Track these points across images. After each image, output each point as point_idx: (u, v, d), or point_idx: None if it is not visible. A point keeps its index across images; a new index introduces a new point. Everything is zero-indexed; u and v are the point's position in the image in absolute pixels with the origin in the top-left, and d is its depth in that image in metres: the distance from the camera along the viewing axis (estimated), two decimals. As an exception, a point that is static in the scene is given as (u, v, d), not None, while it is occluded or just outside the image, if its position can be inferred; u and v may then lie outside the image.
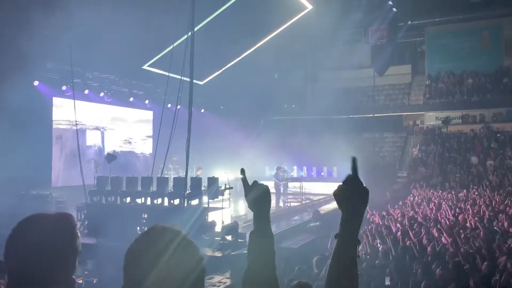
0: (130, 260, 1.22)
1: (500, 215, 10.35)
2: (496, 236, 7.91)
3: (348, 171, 1.48)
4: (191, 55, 9.02)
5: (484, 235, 7.85)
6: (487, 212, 10.83)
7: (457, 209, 11.77)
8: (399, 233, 8.89)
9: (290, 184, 18.09)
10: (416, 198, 15.78)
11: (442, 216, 10.77)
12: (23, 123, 12.12)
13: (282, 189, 16.96)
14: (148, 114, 20.79)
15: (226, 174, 13.89)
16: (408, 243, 7.79)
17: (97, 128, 18.10)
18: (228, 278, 7.82)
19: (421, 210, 12.44)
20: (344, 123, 24.25)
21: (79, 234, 1.55)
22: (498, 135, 23.43)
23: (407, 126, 27.84)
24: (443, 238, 7.90)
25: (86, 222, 11.19)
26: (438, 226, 8.94)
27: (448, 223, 9.54)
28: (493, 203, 12.66)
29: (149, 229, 1.29)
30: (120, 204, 11.08)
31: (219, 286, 7.45)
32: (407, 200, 15.64)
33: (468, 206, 11.79)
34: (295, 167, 18.63)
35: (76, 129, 11.67)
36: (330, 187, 17.64)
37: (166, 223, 1.29)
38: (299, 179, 18.18)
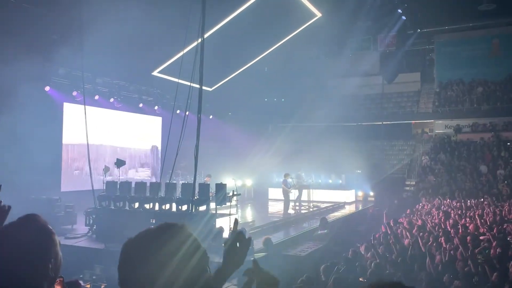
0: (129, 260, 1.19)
1: (510, 225, 10.24)
2: (506, 246, 7.82)
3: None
4: (201, 61, 9.06)
5: (496, 245, 7.76)
6: (497, 222, 10.71)
7: (467, 219, 11.64)
8: (407, 241, 8.83)
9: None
10: (425, 207, 15.66)
11: (451, 225, 10.67)
12: (34, 128, 12.24)
13: (291, 195, 16.87)
14: (157, 120, 20.91)
15: (234, 181, 13.90)
16: (416, 252, 7.73)
17: (106, 134, 18.22)
18: (235, 285, 7.79)
19: (429, 218, 12.34)
20: (352, 130, 24.22)
21: (51, 229, 1.48)
22: (508, 144, 23.20)
23: (416, 134, 27.70)
24: (451, 248, 7.83)
25: (94, 227, 11.24)
26: (447, 235, 8.86)
27: (459, 232, 9.45)
28: (503, 212, 12.52)
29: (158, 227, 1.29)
30: (128, 209, 11.12)
31: (226, 293, 7.42)
32: (415, 208, 15.53)
33: (477, 216, 11.66)
34: (302, 174, 18.60)
35: (86, 134, 11.74)
36: (338, 195, 17.66)
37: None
38: (306, 186, 18.10)
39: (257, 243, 10.27)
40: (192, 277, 1.19)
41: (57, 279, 1.51)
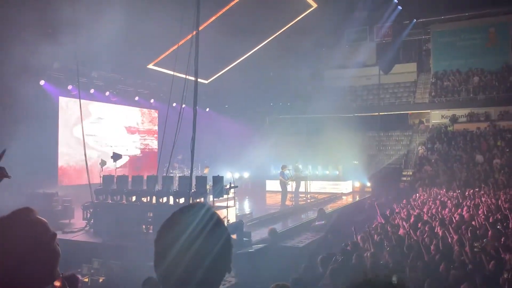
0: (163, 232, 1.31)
1: (505, 213, 10.29)
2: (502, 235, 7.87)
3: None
4: (196, 54, 9.01)
5: (492, 234, 7.82)
6: (492, 211, 10.78)
7: (465, 208, 11.70)
8: (403, 231, 8.87)
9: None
10: (422, 197, 15.72)
11: (448, 214, 10.73)
12: (30, 123, 12.19)
13: (289, 187, 16.91)
14: (153, 113, 20.86)
15: (231, 173, 13.92)
16: (413, 241, 7.77)
17: (102, 127, 18.16)
18: (233, 277, 7.83)
19: (426, 208, 12.40)
20: (349, 121, 24.20)
21: (44, 220, 1.44)
22: (504, 133, 23.27)
23: (413, 125, 27.74)
24: (448, 237, 7.88)
25: (92, 221, 11.24)
26: (444, 224, 8.91)
27: (454, 221, 9.51)
28: (499, 201, 12.58)
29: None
30: (125, 203, 11.11)
31: (224, 284, 7.44)
32: (411, 198, 15.58)
33: (472, 205, 11.72)
34: (300, 166, 18.63)
35: (82, 128, 11.70)
36: (335, 186, 17.60)
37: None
38: (304, 178, 18.16)
39: (255, 235, 10.32)
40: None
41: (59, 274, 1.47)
